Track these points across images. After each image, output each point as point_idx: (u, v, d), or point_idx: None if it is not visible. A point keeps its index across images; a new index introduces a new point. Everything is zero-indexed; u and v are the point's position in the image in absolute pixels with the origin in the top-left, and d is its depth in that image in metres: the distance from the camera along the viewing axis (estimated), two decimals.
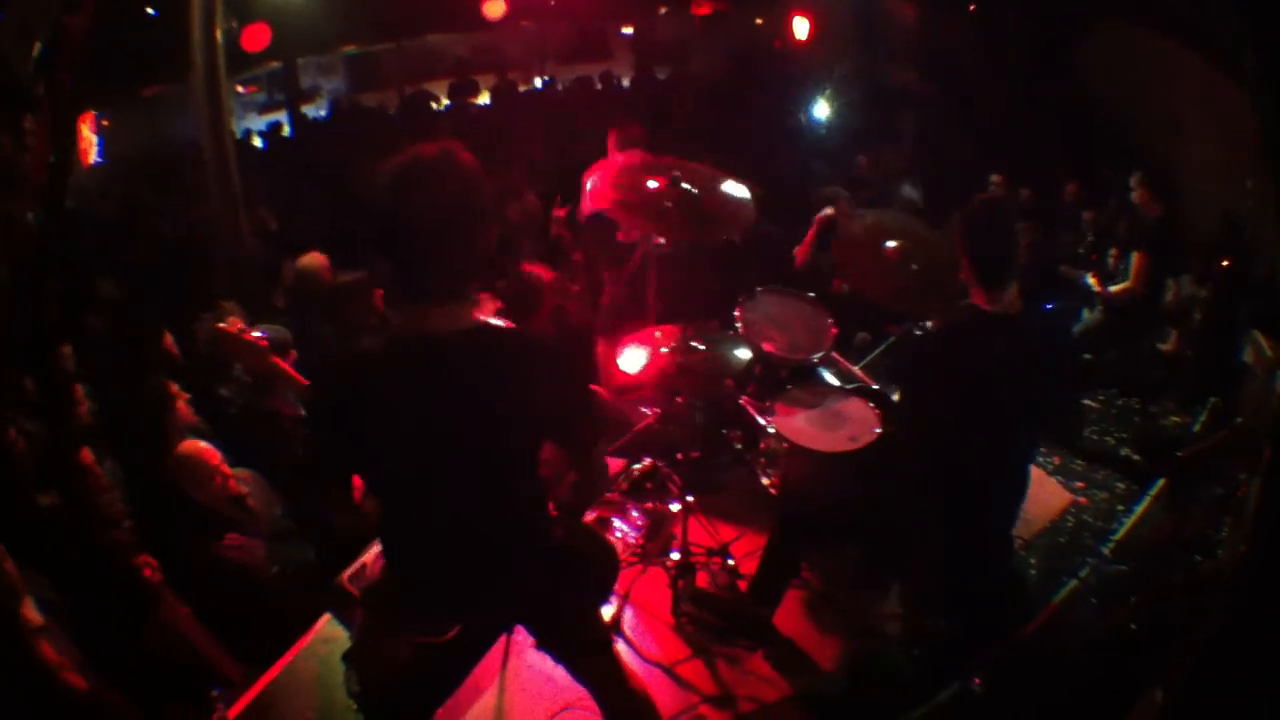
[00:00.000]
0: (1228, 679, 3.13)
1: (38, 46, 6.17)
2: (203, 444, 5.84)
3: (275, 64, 17.63)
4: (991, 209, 4.64)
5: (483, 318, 3.14)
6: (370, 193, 2.93)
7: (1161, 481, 6.54)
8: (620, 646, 5.32)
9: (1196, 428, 7.51)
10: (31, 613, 4.22)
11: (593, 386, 6.47)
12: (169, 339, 7.39)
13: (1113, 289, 8.13)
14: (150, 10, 13.09)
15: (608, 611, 5.51)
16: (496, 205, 3.08)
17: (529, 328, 5.34)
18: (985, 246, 4.38)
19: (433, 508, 3.23)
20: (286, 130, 17.10)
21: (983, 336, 4.37)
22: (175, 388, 6.42)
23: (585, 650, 3.80)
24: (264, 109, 19.22)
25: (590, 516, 6.17)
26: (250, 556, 5.69)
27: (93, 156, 14.77)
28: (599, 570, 3.81)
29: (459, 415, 3.01)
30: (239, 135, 15.73)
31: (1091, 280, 8.38)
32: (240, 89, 18.43)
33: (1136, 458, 7.50)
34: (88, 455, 5.56)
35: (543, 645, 3.85)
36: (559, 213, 9.52)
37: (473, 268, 3.02)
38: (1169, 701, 3.34)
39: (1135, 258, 7.86)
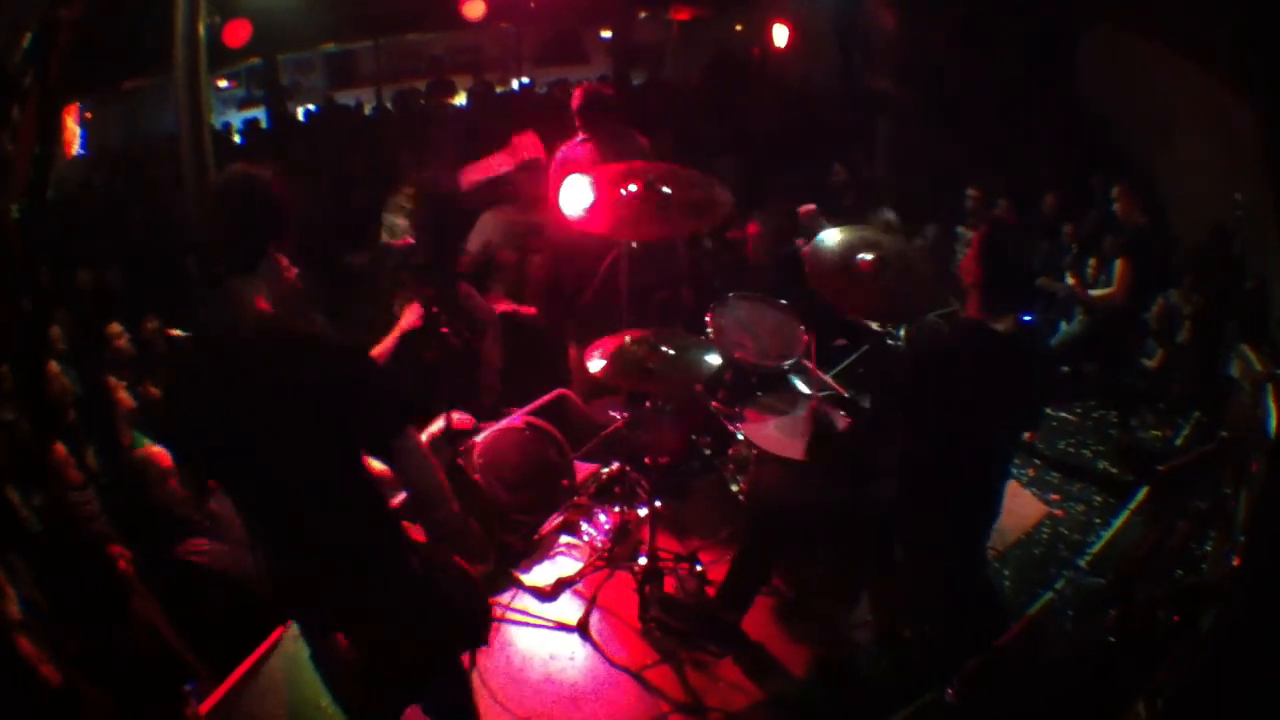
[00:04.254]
0: (1226, 691, 3.06)
1: (27, 38, 6.07)
2: (155, 447, 5.83)
3: (255, 60, 17.48)
4: (1011, 233, 4.60)
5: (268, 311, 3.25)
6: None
7: (1141, 494, 6.50)
8: (587, 650, 5.32)
9: (1179, 441, 7.47)
10: (13, 607, 4.17)
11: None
12: (123, 335, 7.30)
13: (1094, 293, 8.06)
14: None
15: (574, 613, 5.50)
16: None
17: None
18: (1004, 270, 4.31)
19: (262, 512, 3.32)
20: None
21: (982, 350, 4.31)
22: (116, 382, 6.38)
23: (436, 696, 3.73)
24: (243, 104, 19.10)
25: (556, 520, 6.12)
26: (218, 561, 5.58)
27: (75, 148, 14.75)
28: (456, 611, 3.66)
29: (249, 414, 3.09)
30: (219, 128, 15.69)
31: (1071, 280, 8.31)
32: (225, 83, 18.35)
33: (1114, 471, 7.46)
34: (61, 450, 5.51)
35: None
36: None
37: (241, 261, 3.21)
38: (1158, 713, 3.28)
39: (1119, 264, 7.79)
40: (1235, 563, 4.03)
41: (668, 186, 5.34)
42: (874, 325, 5.80)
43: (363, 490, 3.34)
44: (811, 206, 7.16)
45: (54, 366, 6.26)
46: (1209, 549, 5.17)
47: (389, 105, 16.97)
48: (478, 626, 3.77)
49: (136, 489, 5.75)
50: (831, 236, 5.43)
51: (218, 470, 3.44)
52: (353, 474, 3.30)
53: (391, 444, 3.23)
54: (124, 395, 6.39)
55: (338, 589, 3.32)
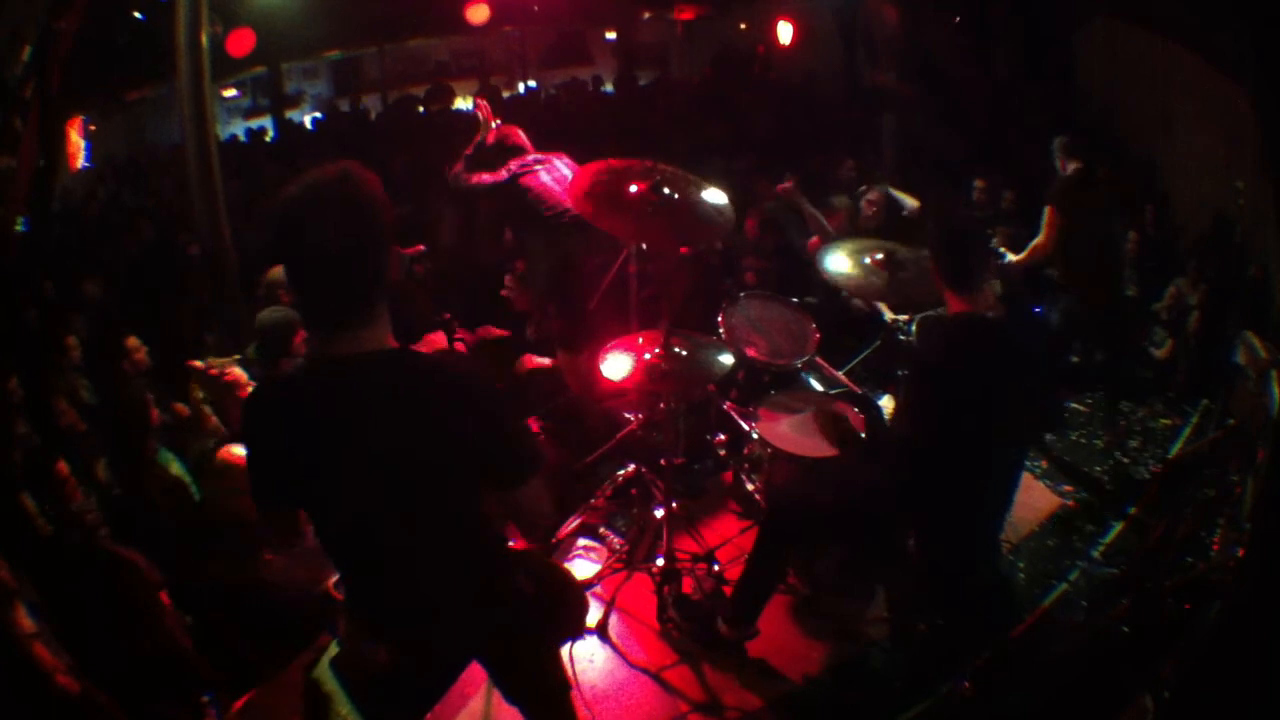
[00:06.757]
0: (1226, 682, 3.08)
1: (27, 50, 6.09)
2: (238, 449, 5.67)
3: (260, 69, 17.52)
4: (956, 221, 4.65)
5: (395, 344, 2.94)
6: (269, 221, 2.80)
7: (1153, 483, 6.51)
8: (606, 652, 5.34)
9: (1188, 430, 7.47)
10: (24, 619, 4.20)
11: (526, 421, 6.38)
12: (140, 348, 7.32)
13: (1028, 249, 7.95)
14: (137, 15, 13.05)
15: (593, 615, 5.46)
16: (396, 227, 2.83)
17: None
18: (954, 257, 4.38)
19: (359, 544, 3.08)
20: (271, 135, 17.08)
21: (969, 337, 4.34)
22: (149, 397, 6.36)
23: (538, 697, 3.69)
24: (248, 114, 19.15)
25: (573, 523, 6.14)
26: (276, 575, 5.57)
27: (80, 160, 14.78)
28: (559, 616, 3.70)
29: (363, 445, 2.82)
30: (224, 139, 15.73)
31: (1002, 249, 8.17)
32: (231, 92, 18.40)
33: (1126, 460, 7.45)
34: (64, 468, 5.52)
35: (499, 687, 3.71)
36: None
37: (363, 293, 2.81)
38: (1165, 705, 3.29)
39: (1046, 211, 7.69)
40: (1240, 553, 4.04)
41: (675, 191, 5.22)
42: (888, 316, 5.82)
43: (478, 524, 3.20)
44: (789, 184, 7.18)
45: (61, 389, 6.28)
46: (1218, 537, 5.19)
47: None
48: (577, 619, 3.86)
49: (155, 501, 5.73)
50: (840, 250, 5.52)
51: (313, 502, 3.09)
52: (472, 509, 3.13)
53: (518, 489, 3.10)
54: (154, 410, 6.40)
55: (444, 614, 3.24)
